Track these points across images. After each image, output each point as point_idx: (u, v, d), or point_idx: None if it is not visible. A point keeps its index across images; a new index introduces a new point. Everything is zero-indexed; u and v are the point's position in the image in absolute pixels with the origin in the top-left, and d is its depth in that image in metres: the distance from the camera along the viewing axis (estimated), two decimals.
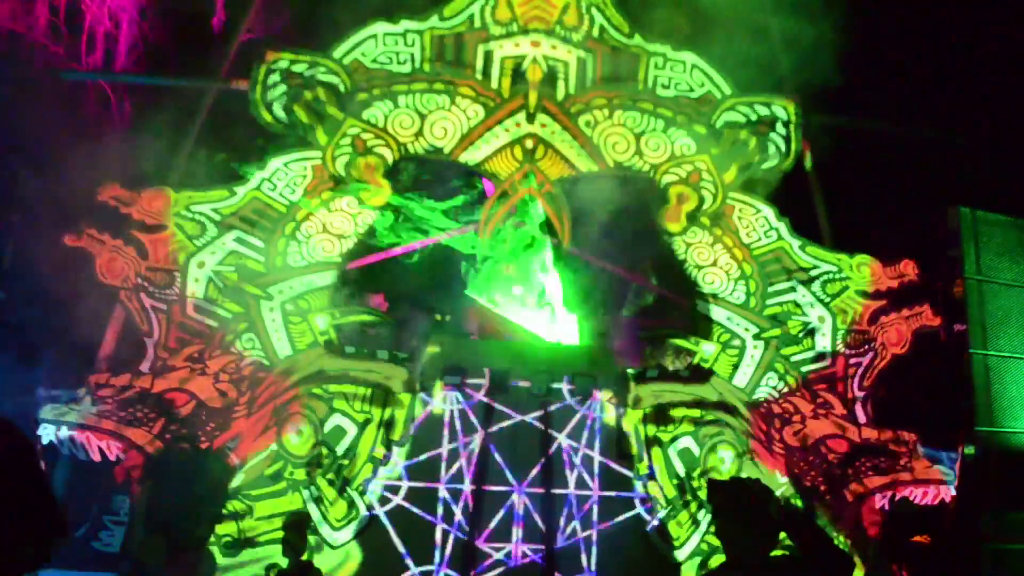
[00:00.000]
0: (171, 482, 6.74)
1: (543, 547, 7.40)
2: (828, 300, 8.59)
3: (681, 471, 7.65)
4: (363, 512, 7.22)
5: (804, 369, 8.43)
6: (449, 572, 7.24)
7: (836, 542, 7.14)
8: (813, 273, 8.68)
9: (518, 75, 8.68)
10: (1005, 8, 10.21)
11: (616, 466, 7.75)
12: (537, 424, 7.72)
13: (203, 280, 7.70)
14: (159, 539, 6.52)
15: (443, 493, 7.45)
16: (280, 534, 6.04)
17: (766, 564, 2.85)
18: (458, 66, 8.74)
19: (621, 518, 7.63)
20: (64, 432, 6.68)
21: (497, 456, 7.58)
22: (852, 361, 8.47)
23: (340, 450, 7.23)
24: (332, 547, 7.08)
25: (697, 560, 7.46)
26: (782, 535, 2.88)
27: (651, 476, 7.63)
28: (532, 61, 8.71)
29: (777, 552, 2.94)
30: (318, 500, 7.11)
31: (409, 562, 7.21)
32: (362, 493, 7.26)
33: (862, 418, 8.33)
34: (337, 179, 8.17)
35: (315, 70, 8.31)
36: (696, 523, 7.53)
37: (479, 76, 8.72)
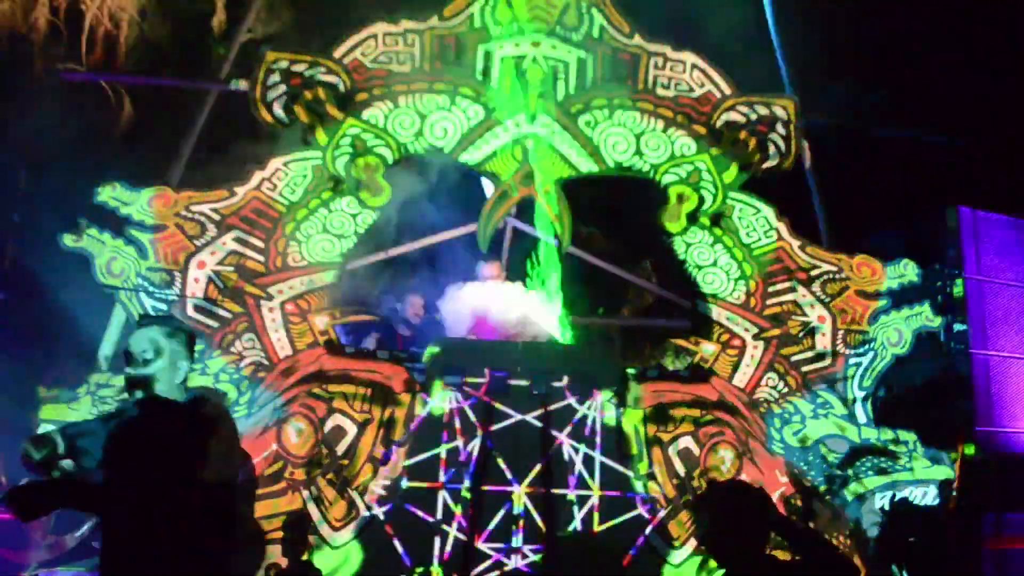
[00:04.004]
0: None
1: (543, 547, 7.39)
2: (828, 300, 8.59)
3: (681, 471, 7.66)
4: (363, 512, 7.22)
5: (804, 369, 8.42)
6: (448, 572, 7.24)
7: (836, 544, 7.15)
8: (813, 273, 8.68)
9: (518, 75, 8.67)
10: (1005, 8, 10.21)
11: (617, 466, 7.74)
12: (537, 424, 7.71)
13: (203, 280, 7.69)
14: None
15: (442, 493, 7.44)
16: (280, 534, 6.04)
17: (761, 565, 2.84)
18: (458, 66, 8.73)
19: (622, 519, 7.62)
20: None
21: (497, 456, 7.57)
22: (852, 361, 8.47)
23: (340, 450, 7.23)
24: (332, 547, 7.08)
25: (697, 560, 7.46)
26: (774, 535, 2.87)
27: (651, 476, 7.63)
28: (532, 61, 8.71)
29: (778, 553, 2.94)
30: (318, 500, 7.11)
31: (407, 562, 7.20)
32: (362, 493, 7.25)
33: (862, 418, 8.34)
34: (337, 179, 8.16)
35: (315, 70, 8.30)
36: None
37: (479, 76, 8.71)
